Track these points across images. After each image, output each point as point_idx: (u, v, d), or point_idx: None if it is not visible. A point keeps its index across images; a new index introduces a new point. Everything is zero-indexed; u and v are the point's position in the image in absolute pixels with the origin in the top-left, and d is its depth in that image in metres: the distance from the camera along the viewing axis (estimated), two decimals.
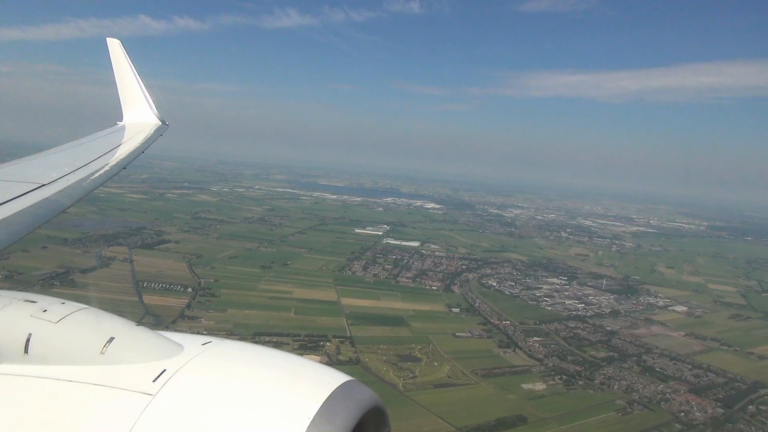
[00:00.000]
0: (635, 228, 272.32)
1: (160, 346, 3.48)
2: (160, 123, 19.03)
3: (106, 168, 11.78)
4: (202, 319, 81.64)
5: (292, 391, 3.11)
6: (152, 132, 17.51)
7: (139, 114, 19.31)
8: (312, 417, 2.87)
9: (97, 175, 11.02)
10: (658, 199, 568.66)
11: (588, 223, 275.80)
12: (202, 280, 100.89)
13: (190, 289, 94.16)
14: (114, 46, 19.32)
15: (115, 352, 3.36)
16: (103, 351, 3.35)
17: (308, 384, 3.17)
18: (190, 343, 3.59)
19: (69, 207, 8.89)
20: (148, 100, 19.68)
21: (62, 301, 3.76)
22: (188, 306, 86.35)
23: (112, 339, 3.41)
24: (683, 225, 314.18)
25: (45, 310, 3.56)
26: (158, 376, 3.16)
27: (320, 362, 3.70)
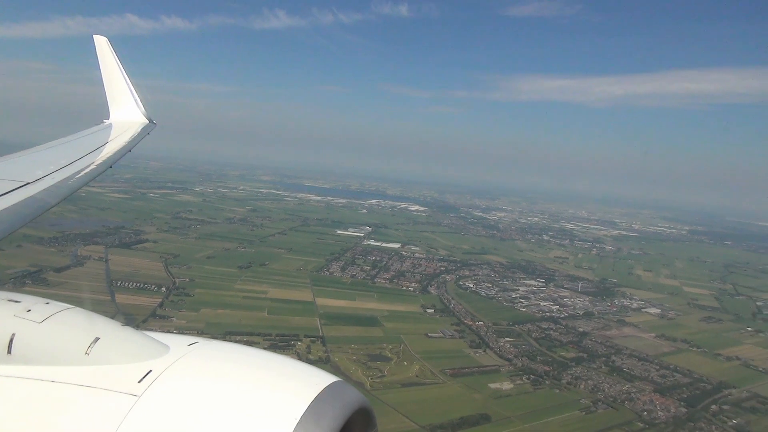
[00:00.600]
0: (617, 232, 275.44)
1: (145, 347, 3.47)
2: (148, 121, 18.80)
3: (92, 167, 11.68)
4: (174, 318, 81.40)
5: (279, 391, 3.12)
6: (139, 130, 17.32)
7: (126, 112, 19.11)
8: (299, 418, 2.87)
9: (83, 173, 10.92)
10: (642, 204, 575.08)
11: (570, 226, 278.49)
12: (177, 280, 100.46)
13: (164, 289, 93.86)
14: (101, 43, 19.11)
15: (100, 352, 3.34)
16: (88, 351, 3.33)
17: (295, 385, 3.18)
18: (177, 343, 3.58)
19: (54, 206, 8.80)
20: (135, 99, 19.48)
21: (46, 300, 3.77)
22: (161, 305, 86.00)
23: (97, 339, 3.40)
24: (665, 229, 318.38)
25: (29, 310, 3.55)
26: (144, 377, 3.15)
27: (306, 362, 3.71)
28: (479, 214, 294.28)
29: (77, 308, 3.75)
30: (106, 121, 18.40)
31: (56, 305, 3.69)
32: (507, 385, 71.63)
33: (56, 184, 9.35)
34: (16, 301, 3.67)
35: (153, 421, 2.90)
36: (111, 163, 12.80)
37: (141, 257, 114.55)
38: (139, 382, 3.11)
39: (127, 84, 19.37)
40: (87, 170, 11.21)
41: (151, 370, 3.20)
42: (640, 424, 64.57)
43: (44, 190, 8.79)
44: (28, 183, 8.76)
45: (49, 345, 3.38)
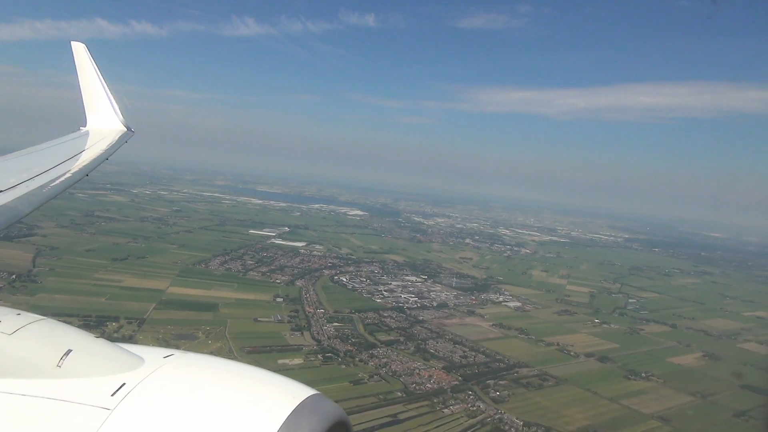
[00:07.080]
0: (549, 238, 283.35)
1: (119, 359, 3.49)
2: (126, 129, 18.82)
3: (68, 175, 11.67)
4: (1, 301, 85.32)
5: (256, 405, 3.13)
6: (117, 138, 17.33)
7: (103, 120, 19.11)
8: None
9: (58, 182, 10.90)
10: (600, 214, 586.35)
11: (506, 232, 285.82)
12: (37, 269, 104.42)
13: (13, 276, 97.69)
14: (79, 49, 19.09)
15: (73, 365, 3.34)
16: (60, 364, 3.32)
17: (272, 398, 3.19)
18: (151, 355, 3.61)
19: (28, 214, 8.75)
20: (113, 106, 19.47)
21: (18, 311, 3.80)
22: None
23: (69, 351, 3.39)
24: (602, 236, 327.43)
25: None
26: (117, 390, 3.15)
27: (284, 374, 3.63)
28: (418, 219, 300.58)
29: (49, 319, 3.78)
30: (83, 128, 18.54)
31: (28, 316, 3.71)
32: (296, 361, 76.57)
33: (30, 192, 9.36)
34: None
35: None
36: (87, 172, 12.90)
37: (16, 249, 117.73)
38: (112, 395, 3.11)
39: (105, 91, 19.40)
40: (62, 179, 11.25)
41: (124, 383, 3.21)
42: (400, 394, 69.86)
43: (17, 198, 8.79)
44: (1, 191, 8.79)
45: (19, 357, 3.39)
